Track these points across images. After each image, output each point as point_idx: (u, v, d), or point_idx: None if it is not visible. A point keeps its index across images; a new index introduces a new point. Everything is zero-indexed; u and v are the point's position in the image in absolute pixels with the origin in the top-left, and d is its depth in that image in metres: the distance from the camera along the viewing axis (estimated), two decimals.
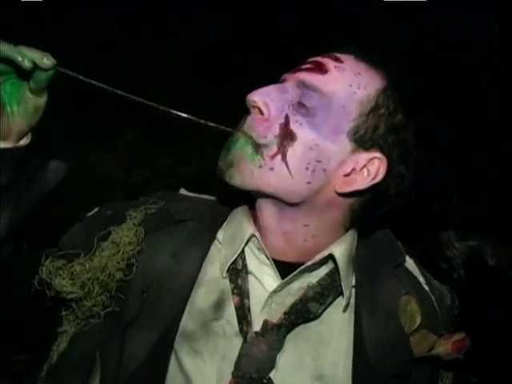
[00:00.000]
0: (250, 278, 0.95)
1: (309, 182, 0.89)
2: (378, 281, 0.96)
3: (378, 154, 0.90)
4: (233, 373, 0.90)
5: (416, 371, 0.95)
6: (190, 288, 0.96)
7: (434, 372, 0.99)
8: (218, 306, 0.95)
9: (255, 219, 0.97)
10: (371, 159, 0.90)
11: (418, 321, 0.93)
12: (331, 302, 0.94)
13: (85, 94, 0.96)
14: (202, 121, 0.90)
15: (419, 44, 2.34)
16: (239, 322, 0.92)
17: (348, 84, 0.90)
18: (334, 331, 0.94)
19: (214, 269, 0.97)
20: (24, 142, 0.88)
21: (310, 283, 0.94)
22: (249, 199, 0.99)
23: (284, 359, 0.92)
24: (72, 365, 0.97)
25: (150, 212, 1.03)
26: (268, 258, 0.94)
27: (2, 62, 0.79)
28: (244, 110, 0.94)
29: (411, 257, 1.01)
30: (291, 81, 0.92)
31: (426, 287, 0.98)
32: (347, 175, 0.90)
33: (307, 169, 0.89)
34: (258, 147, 0.89)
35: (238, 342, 0.92)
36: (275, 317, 0.92)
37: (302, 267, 0.93)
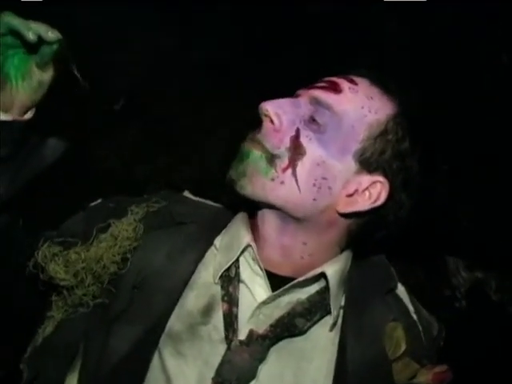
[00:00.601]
0: (242, 286, 0.96)
1: (315, 199, 0.91)
2: (367, 304, 0.96)
3: (381, 178, 0.91)
4: (213, 378, 0.90)
5: None
6: (181, 289, 0.96)
7: None
8: (207, 310, 0.96)
9: (254, 228, 0.97)
10: (374, 182, 0.91)
11: (403, 348, 0.93)
12: (318, 320, 0.94)
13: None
14: None
15: (419, 44, 2.34)
16: (225, 329, 0.93)
17: (360, 106, 0.91)
18: (318, 349, 0.94)
19: (208, 274, 0.98)
20: (27, 116, 0.90)
21: (300, 299, 0.94)
22: (250, 208, 0.99)
23: (265, 371, 0.92)
24: (54, 350, 0.98)
25: (151, 210, 1.04)
26: (261, 269, 0.95)
27: (10, 34, 0.81)
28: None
29: (403, 284, 1.01)
30: (305, 96, 0.94)
31: (415, 316, 0.98)
32: (350, 196, 0.91)
33: (314, 185, 0.90)
34: (272, 159, 0.90)
35: (222, 348, 0.92)
36: (261, 328, 0.92)
37: (294, 282, 0.93)
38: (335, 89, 0.93)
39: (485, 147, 2.25)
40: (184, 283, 0.97)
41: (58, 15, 2.11)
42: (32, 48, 0.84)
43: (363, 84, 0.94)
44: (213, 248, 1.01)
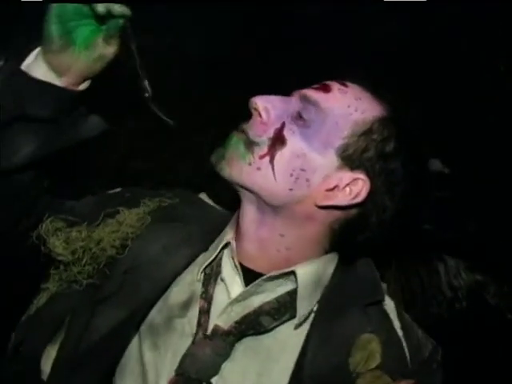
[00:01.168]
0: (221, 284, 0.98)
1: (291, 189, 0.92)
2: (341, 313, 0.95)
3: (362, 176, 0.92)
4: (175, 370, 0.92)
5: None
6: (168, 282, 0.99)
7: None
8: (186, 305, 0.98)
9: (238, 227, 1.00)
10: (355, 179, 0.92)
11: (377, 362, 0.91)
12: (288, 320, 0.95)
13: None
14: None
15: (419, 44, 2.34)
16: (197, 324, 0.95)
17: (346, 105, 0.93)
18: (286, 350, 0.94)
19: (195, 273, 1.01)
20: (81, 87, 0.96)
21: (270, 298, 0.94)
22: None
23: (229, 368, 0.92)
24: (41, 320, 1.01)
25: (162, 205, 1.08)
26: (236, 265, 0.96)
27: (86, 5, 0.89)
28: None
29: (392, 299, 0.99)
30: (296, 95, 0.97)
31: (400, 332, 0.96)
32: (329, 190, 0.92)
33: (291, 175, 0.91)
34: (250, 145, 0.93)
35: (190, 342, 0.95)
36: (228, 324, 0.94)
37: (264, 277, 0.94)
38: (325, 89, 0.95)
39: (485, 148, 2.25)
40: (173, 276, 1.00)
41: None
42: (101, 21, 0.91)
43: (354, 87, 0.97)
44: (207, 251, 1.03)
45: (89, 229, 1.02)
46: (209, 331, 0.94)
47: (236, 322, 0.93)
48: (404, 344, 0.95)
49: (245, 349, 0.94)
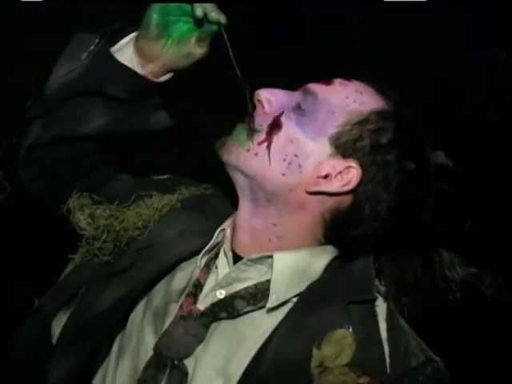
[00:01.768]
0: (215, 272, 0.98)
1: (283, 174, 0.92)
2: (320, 306, 0.92)
3: (354, 164, 0.91)
4: (153, 347, 0.95)
5: None
6: (171, 264, 1.01)
7: None
8: (183, 291, 0.99)
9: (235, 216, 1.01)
10: (348, 167, 0.91)
11: (349, 359, 0.88)
12: (263, 307, 0.94)
13: None
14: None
15: (419, 44, 2.34)
16: (179, 306, 0.97)
17: (344, 96, 0.94)
18: (255, 336, 0.93)
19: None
20: (162, 78, 1.03)
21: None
22: None
23: (202, 350, 0.93)
24: (63, 290, 1.05)
25: (196, 194, 1.12)
26: (225, 252, 0.98)
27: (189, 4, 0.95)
28: None
29: (387, 301, 0.95)
30: (300, 89, 0.98)
31: (385, 334, 0.91)
32: (321, 178, 0.92)
33: (284, 160, 0.92)
34: (251, 133, 0.95)
35: None
36: (205, 306, 0.95)
37: (243, 260, 0.94)
38: (327, 82, 0.96)
39: (484, 145, 2.25)
40: (177, 258, 1.01)
41: (58, 15, 2.11)
42: (199, 23, 0.96)
43: (357, 83, 0.97)
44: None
45: (116, 208, 1.06)
46: (185, 312, 0.95)
47: (212, 304, 0.94)
48: (385, 347, 0.90)
49: (219, 332, 0.94)
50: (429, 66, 2.35)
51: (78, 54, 1.02)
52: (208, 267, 0.99)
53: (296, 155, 0.92)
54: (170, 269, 1.02)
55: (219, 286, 0.95)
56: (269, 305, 0.93)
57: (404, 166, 0.93)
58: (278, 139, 0.93)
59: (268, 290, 0.93)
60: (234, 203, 1.03)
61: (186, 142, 1.99)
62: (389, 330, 0.92)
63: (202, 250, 1.00)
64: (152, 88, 1.03)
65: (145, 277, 1.00)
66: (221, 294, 0.95)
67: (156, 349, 0.94)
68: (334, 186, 0.91)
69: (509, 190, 2.14)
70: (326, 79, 0.97)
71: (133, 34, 1.03)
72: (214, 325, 0.95)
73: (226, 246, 0.99)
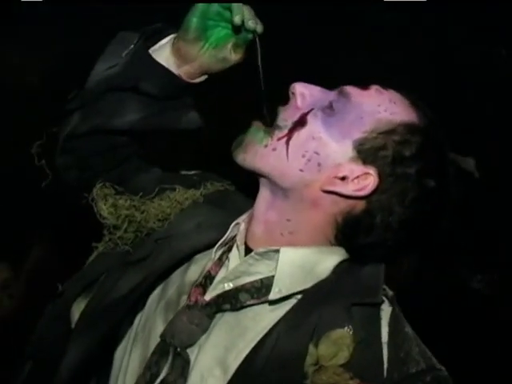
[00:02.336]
0: (226, 264, 0.99)
1: (301, 170, 0.92)
2: (322, 305, 0.92)
3: (372, 172, 0.90)
4: (160, 335, 0.96)
5: None
6: (184, 254, 1.02)
7: None
8: (194, 283, 0.99)
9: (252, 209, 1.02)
10: (365, 173, 0.90)
11: (346, 359, 0.87)
12: (267, 302, 0.94)
13: None
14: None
15: (419, 44, 2.35)
16: (188, 296, 0.98)
17: (377, 104, 0.93)
18: (256, 330, 0.93)
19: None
20: (196, 80, 1.05)
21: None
22: None
23: (205, 339, 0.94)
24: (84, 277, 1.09)
25: (220, 189, 1.14)
26: (238, 245, 0.98)
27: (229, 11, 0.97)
28: None
29: (393, 305, 0.94)
30: (337, 89, 0.97)
31: (385, 338, 0.90)
32: (338, 178, 0.91)
33: (303, 156, 0.92)
34: (272, 129, 0.94)
35: None
36: (210, 298, 0.96)
37: (251, 253, 0.94)
38: (364, 87, 0.95)
39: (483, 145, 2.25)
40: (190, 250, 1.02)
41: (58, 15, 2.11)
42: (236, 30, 0.99)
43: (393, 92, 0.96)
44: None
45: (139, 199, 1.08)
46: (192, 302, 0.96)
47: (217, 296, 0.95)
48: (385, 351, 0.89)
49: (222, 323, 0.94)
50: (428, 66, 2.35)
51: (119, 51, 1.05)
52: (220, 260, 1.00)
53: (316, 153, 0.92)
54: (183, 260, 1.03)
55: (227, 278, 0.96)
56: (271, 296, 0.93)
57: (423, 183, 0.92)
58: (299, 135, 0.93)
59: (273, 285, 0.93)
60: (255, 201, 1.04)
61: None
62: (391, 334, 0.91)
63: (217, 242, 1.01)
64: (185, 88, 1.05)
65: (157, 267, 1.01)
66: (229, 286, 0.95)
67: (162, 336, 0.96)
68: (349, 189, 0.91)
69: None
70: (365, 84, 0.96)
71: (172, 35, 1.06)
72: (218, 316, 0.95)
73: (239, 240, 0.99)
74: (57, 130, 1.11)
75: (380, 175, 0.90)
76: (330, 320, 0.90)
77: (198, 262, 1.03)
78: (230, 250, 1.00)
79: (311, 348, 0.88)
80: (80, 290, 1.06)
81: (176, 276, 1.04)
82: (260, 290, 0.94)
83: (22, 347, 1.11)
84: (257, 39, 0.98)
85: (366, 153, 0.91)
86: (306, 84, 0.97)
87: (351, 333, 0.89)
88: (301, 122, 0.93)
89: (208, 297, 0.95)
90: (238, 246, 0.99)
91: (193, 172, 1.18)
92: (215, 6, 0.99)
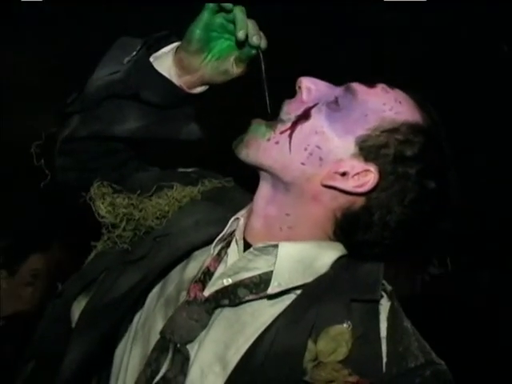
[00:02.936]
0: (225, 259, 0.99)
1: (303, 163, 0.92)
2: (321, 301, 0.92)
3: (373, 170, 0.91)
4: (160, 332, 0.96)
5: None
6: (182, 252, 1.02)
7: None
8: (193, 279, 0.99)
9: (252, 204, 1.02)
10: (366, 170, 0.91)
11: (344, 355, 0.87)
12: (265, 297, 0.94)
13: None
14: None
15: (419, 44, 2.35)
16: (187, 292, 0.98)
17: (382, 102, 0.93)
18: (255, 326, 0.93)
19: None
20: (196, 90, 1.05)
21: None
22: None
23: (205, 335, 0.94)
24: (83, 276, 1.09)
25: (217, 186, 1.14)
26: (236, 241, 0.98)
27: (233, 24, 0.97)
28: None
29: (391, 300, 0.94)
30: (344, 85, 0.97)
31: (384, 333, 0.90)
32: (338, 174, 0.92)
33: (305, 149, 0.92)
34: (274, 123, 0.95)
35: None
36: (209, 293, 0.95)
37: (250, 249, 0.95)
38: (370, 85, 0.95)
39: (484, 142, 2.25)
40: (189, 247, 1.02)
41: (58, 15, 2.11)
42: (240, 43, 0.99)
43: (399, 92, 0.96)
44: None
45: (137, 198, 1.08)
46: (191, 298, 0.96)
47: (216, 291, 0.94)
48: (383, 346, 0.88)
49: (221, 319, 0.94)
50: (428, 66, 2.35)
51: (120, 58, 1.05)
52: (219, 255, 1.00)
53: (318, 147, 0.92)
54: (182, 257, 1.03)
55: (226, 274, 0.96)
56: (270, 291, 0.92)
57: (423, 183, 0.92)
58: (302, 129, 0.93)
59: (271, 279, 0.93)
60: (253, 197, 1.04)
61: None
62: (389, 328, 0.91)
63: (216, 238, 1.01)
64: (185, 98, 1.05)
65: (156, 265, 1.01)
66: (227, 282, 0.95)
67: (161, 332, 0.96)
68: (349, 184, 0.91)
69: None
70: (372, 82, 0.96)
71: (175, 44, 1.05)
72: (217, 312, 0.95)
73: (238, 235, 0.99)
74: (56, 131, 1.11)
75: (380, 173, 0.91)
76: (328, 316, 0.90)
77: (196, 259, 1.03)
78: (228, 245, 1.00)
79: (310, 344, 0.88)
80: (79, 289, 1.06)
81: (175, 273, 1.04)
82: (259, 286, 0.94)
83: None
84: (260, 55, 0.97)
85: (367, 150, 0.91)
86: (313, 78, 0.97)
87: (350, 329, 0.89)
88: (305, 116, 0.93)
89: (207, 293, 0.95)
90: (236, 241, 0.99)
91: (190, 169, 1.18)
92: (219, 18, 0.98)
